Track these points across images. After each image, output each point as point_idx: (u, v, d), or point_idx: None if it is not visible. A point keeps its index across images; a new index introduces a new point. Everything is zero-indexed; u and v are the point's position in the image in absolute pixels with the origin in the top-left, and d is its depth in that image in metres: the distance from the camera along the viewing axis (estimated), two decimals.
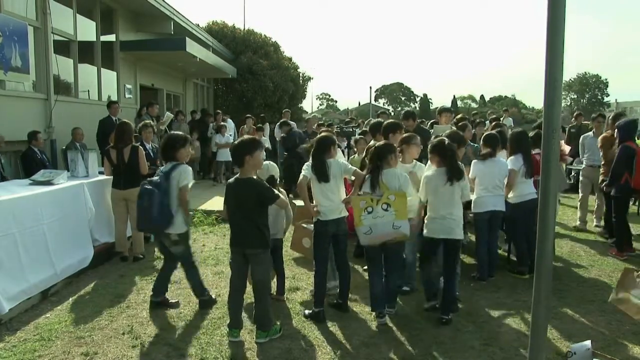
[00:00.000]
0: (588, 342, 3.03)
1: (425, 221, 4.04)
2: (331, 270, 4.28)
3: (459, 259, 4.41)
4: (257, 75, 18.61)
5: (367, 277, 4.25)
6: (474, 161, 4.97)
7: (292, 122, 11.75)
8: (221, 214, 7.50)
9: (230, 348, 3.45)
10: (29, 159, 6.80)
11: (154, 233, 4.91)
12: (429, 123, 9.03)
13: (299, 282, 4.84)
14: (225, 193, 3.62)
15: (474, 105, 76.85)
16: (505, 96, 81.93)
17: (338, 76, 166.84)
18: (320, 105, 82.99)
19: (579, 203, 7.22)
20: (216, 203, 8.44)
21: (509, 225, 5.32)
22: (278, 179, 4.26)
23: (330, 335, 3.68)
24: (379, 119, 5.88)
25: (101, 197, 5.57)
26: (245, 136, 3.70)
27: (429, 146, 4.11)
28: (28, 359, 3.31)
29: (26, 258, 4.19)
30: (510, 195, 5.05)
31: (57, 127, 8.14)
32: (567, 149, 6.74)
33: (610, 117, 6.68)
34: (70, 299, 4.40)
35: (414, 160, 4.45)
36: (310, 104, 58.49)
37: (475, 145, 5.95)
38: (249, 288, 3.74)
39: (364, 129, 7.65)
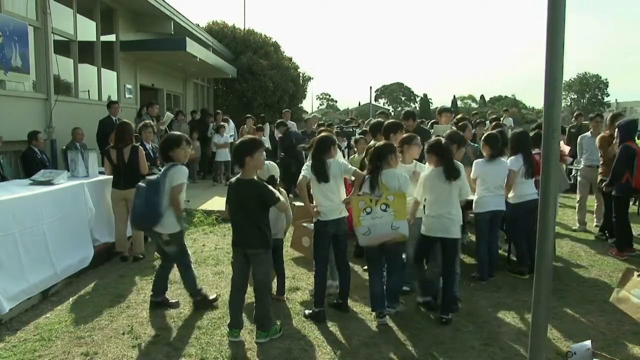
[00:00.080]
0: (588, 342, 3.03)
1: (423, 219, 4.05)
2: (331, 270, 4.29)
3: (458, 259, 4.41)
4: (257, 75, 18.61)
5: (367, 277, 4.25)
6: (476, 161, 4.97)
7: (292, 122, 11.78)
8: (221, 214, 7.51)
9: (230, 348, 3.46)
10: (29, 159, 6.80)
11: (145, 231, 4.92)
12: (429, 123, 9.04)
13: (299, 282, 4.84)
14: (227, 193, 3.62)
15: (474, 105, 76.87)
16: (505, 96, 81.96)
17: (338, 76, 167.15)
18: (321, 105, 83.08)
19: (577, 204, 7.23)
20: (216, 203, 8.44)
21: (509, 225, 5.32)
22: (278, 179, 4.25)
23: (330, 335, 3.68)
24: (379, 119, 5.88)
25: (101, 197, 5.57)
26: (246, 136, 3.69)
27: (425, 146, 4.13)
28: (28, 359, 3.31)
29: (26, 258, 4.19)
30: (511, 195, 5.05)
31: (57, 127, 8.14)
32: (566, 149, 6.74)
33: (608, 117, 6.68)
34: (71, 299, 4.40)
35: (414, 161, 4.45)
36: (310, 104, 58.58)
37: (475, 145, 5.95)
38: (249, 288, 3.74)
39: (364, 129, 7.65)
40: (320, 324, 3.84)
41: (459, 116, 7.59)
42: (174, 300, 4.25)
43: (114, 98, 10.17)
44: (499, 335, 3.69)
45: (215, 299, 4.24)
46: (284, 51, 22.14)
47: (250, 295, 3.82)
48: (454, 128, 5.65)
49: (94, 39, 9.93)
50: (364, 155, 4.65)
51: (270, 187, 3.54)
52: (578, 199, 7.19)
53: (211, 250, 5.96)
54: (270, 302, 3.67)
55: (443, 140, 4.02)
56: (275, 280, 4.32)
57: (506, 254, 5.58)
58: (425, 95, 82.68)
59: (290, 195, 5.60)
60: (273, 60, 19.84)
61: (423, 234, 4.03)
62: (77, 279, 4.88)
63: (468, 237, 6.28)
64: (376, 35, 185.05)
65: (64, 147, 7.63)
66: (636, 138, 6.23)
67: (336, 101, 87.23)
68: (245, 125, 11.32)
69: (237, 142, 3.66)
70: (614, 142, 6.05)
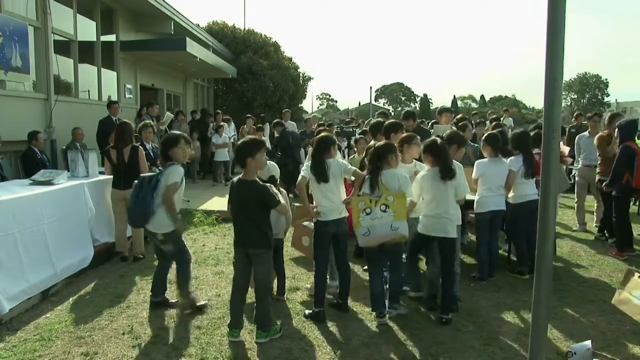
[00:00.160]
0: (588, 342, 3.03)
1: (420, 218, 4.06)
2: (331, 270, 4.29)
3: (458, 259, 4.41)
4: (257, 75, 18.61)
5: (367, 277, 4.25)
6: (478, 161, 4.98)
7: (292, 122, 11.78)
8: (221, 214, 7.52)
9: (230, 348, 3.45)
10: (29, 159, 6.80)
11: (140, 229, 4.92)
12: (430, 123, 9.04)
13: (299, 282, 4.84)
14: (229, 193, 3.63)
15: (474, 105, 76.87)
16: (506, 96, 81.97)
17: (338, 76, 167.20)
18: (321, 105, 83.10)
19: (576, 205, 7.22)
20: (216, 203, 8.44)
21: (509, 225, 5.32)
22: (278, 179, 4.25)
23: (330, 335, 3.68)
24: (379, 119, 5.88)
25: (101, 197, 5.57)
26: (247, 137, 3.68)
27: (422, 146, 4.14)
28: (28, 359, 3.31)
29: (26, 258, 4.19)
30: (511, 195, 5.05)
31: (57, 127, 8.14)
32: (566, 150, 6.74)
33: (607, 117, 6.67)
34: (71, 299, 4.40)
35: (414, 160, 4.45)
36: (310, 104, 58.60)
37: (476, 145, 5.95)
38: (250, 288, 3.74)
39: (364, 129, 7.65)
40: (320, 324, 3.84)
41: (459, 116, 7.58)
42: (174, 300, 4.24)
43: (114, 98, 10.16)
44: (499, 335, 3.69)
45: (204, 306, 4.12)
46: (284, 51, 22.18)
47: (250, 296, 3.82)
48: (454, 128, 5.65)
49: (94, 39, 9.93)
50: (364, 155, 4.65)
51: (271, 188, 3.53)
52: (576, 200, 7.19)
53: (211, 250, 5.96)
54: (271, 302, 3.67)
55: (439, 140, 4.03)
56: (275, 280, 4.32)
57: (506, 254, 5.58)
58: (425, 95, 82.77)
59: (290, 195, 5.60)
60: (273, 60, 19.85)
61: (420, 232, 4.03)
62: (77, 279, 4.88)
63: (468, 237, 6.28)
64: (376, 35, 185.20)
65: (64, 147, 7.63)
66: (636, 138, 6.23)
67: (336, 101, 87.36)
68: (245, 125, 11.32)
69: (238, 142, 3.66)
70: (612, 141, 6.06)
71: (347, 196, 4.06)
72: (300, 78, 22.29)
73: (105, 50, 10.21)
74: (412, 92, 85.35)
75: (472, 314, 4.07)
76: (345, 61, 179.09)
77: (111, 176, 5.52)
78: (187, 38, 11.01)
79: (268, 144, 10.92)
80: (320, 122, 13.37)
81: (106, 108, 8.48)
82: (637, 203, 8.11)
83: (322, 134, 4.30)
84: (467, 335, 3.70)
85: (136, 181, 4.03)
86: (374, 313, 3.93)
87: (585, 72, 70.02)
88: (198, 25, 15.76)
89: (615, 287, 4.67)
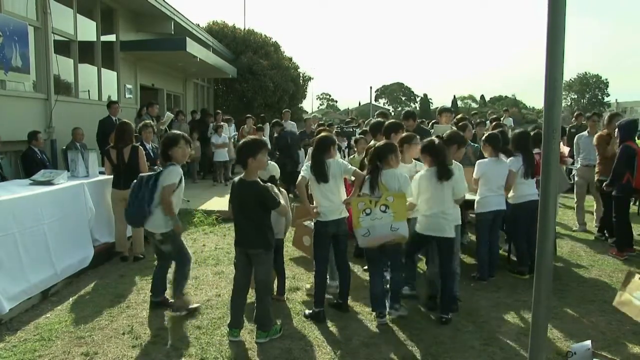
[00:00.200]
0: (588, 342, 3.03)
1: (418, 218, 4.06)
2: (331, 271, 4.29)
3: (458, 259, 4.41)
4: (257, 75, 18.62)
5: (367, 277, 4.25)
6: (479, 161, 4.98)
7: (292, 122, 11.78)
8: (221, 214, 7.52)
9: (230, 348, 3.45)
10: (29, 159, 6.80)
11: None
12: (430, 123, 9.04)
13: (299, 282, 4.84)
14: (230, 193, 3.63)
15: (474, 105, 76.85)
16: (506, 96, 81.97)
17: (338, 76, 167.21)
18: (321, 105, 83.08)
19: (575, 205, 7.22)
20: (216, 203, 8.44)
21: (509, 225, 5.32)
22: (278, 179, 4.25)
23: (330, 335, 3.68)
24: (379, 119, 5.88)
25: (101, 197, 5.57)
26: (249, 137, 3.67)
27: (420, 146, 4.14)
28: (28, 359, 3.31)
29: (26, 258, 4.19)
30: (511, 195, 5.05)
31: (57, 127, 8.14)
32: (566, 150, 6.74)
33: (606, 117, 6.67)
34: (71, 299, 4.40)
35: (414, 160, 4.45)
36: (310, 104, 58.59)
37: (476, 145, 5.95)
38: (250, 289, 3.74)
39: (364, 129, 7.65)
40: (320, 324, 3.84)
41: (459, 116, 7.58)
42: (173, 301, 4.24)
43: (114, 98, 10.17)
44: (499, 335, 3.69)
45: (196, 309, 4.06)
46: (284, 51, 22.20)
47: (250, 296, 3.82)
48: (454, 128, 5.65)
49: (94, 39, 9.94)
50: (363, 155, 4.65)
51: (272, 189, 3.53)
52: (575, 200, 7.18)
53: (211, 250, 5.96)
54: (271, 302, 3.67)
55: (437, 140, 4.04)
56: (275, 280, 4.32)
57: (506, 254, 5.58)
58: (425, 95, 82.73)
59: (290, 195, 5.61)
60: (273, 60, 19.86)
61: (418, 232, 4.04)
62: (77, 279, 4.88)
63: (468, 237, 6.28)
64: (376, 35, 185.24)
65: (64, 147, 7.63)
66: (636, 138, 6.23)
67: (336, 101, 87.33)
68: (246, 125, 11.32)
69: (240, 142, 3.65)
70: (611, 141, 6.06)
71: (347, 196, 4.06)
72: (300, 78, 22.31)
73: (105, 50, 10.22)
74: (412, 92, 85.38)
75: (472, 314, 4.07)
76: (345, 61, 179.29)
77: (111, 176, 5.52)
78: (187, 38, 11.01)
79: (268, 144, 10.91)
80: (320, 122, 13.37)
81: (106, 108, 8.48)
82: (637, 203, 8.11)
83: (322, 134, 4.30)
84: (467, 335, 3.70)
85: (135, 181, 4.03)
86: (374, 313, 3.93)
87: (586, 72, 70.06)
88: (198, 25, 15.76)
89: (615, 287, 4.67)
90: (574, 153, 7.24)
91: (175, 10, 12.10)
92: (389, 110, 56.43)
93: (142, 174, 4.12)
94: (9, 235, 4.01)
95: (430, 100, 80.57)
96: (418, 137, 4.49)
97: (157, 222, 3.93)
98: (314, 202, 3.97)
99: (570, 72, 66.97)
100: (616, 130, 5.85)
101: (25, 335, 3.66)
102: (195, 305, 4.11)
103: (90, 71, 9.86)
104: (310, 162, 3.98)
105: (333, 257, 4.16)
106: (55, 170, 5.57)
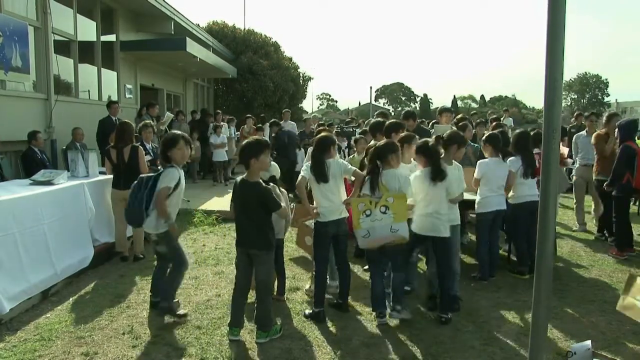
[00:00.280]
0: (588, 342, 3.03)
1: (414, 218, 4.07)
2: (331, 271, 4.28)
3: (458, 259, 4.42)
4: (257, 75, 18.62)
5: (367, 277, 4.25)
6: (480, 161, 4.97)
7: (292, 122, 11.78)
8: (221, 214, 7.52)
9: (230, 348, 3.45)
10: (29, 159, 6.80)
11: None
12: (430, 123, 9.04)
13: (299, 282, 4.84)
14: (232, 192, 3.63)
15: (474, 105, 76.86)
16: (506, 96, 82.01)
17: (338, 76, 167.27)
18: (321, 105, 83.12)
19: (575, 205, 7.21)
20: (216, 203, 8.44)
21: (509, 225, 5.32)
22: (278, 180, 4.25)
23: (330, 335, 3.68)
24: (379, 119, 5.88)
25: (101, 197, 5.57)
26: (252, 138, 3.66)
27: (409, 148, 4.14)
28: (28, 359, 3.31)
29: (26, 258, 4.19)
30: (511, 195, 5.05)
31: (57, 127, 8.15)
32: (565, 151, 6.73)
33: (605, 117, 6.67)
34: (71, 299, 4.39)
35: (413, 160, 4.45)
36: (310, 104, 58.63)
37: (476, 145, 5.95)
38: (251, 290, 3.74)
39: (364, 128, 7.65)
40: (320, 324, 3.84)
41: (460, 116, 7.58)
42: (174, 301, 4.23)
43: (114, 98, 10.17)
44: (499, 335, 3.69)
45: (185, 315, 3.95)
46: (284, 51, 22.20)
47: (250, 296, 3.82)
48: (454, 128, 5.65)
49: (94, 39, 9.94)
50: (363, 155, 4.64)
51: (275, 190, 3.51)
52: (575, 200, 7.18)
53: (211, 250, 5.96)
54: (271, 303, 3.67)
55: (431, 141, 4.06)
56: (275, 280, 4.32)
57: (506, 254, 5.58)
58: (425, 95, 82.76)
59: (290, 195, 5.58)
60: (273, 60, 19.86)
61: (414, 232, 4.04)
62: (77, 279, 4.88)
63: (468, 237, 6.28)
64: (376, 35, 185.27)
65: (64, 147, 7.63)
66: (636, 138, 6.23)
67: (336, 101, 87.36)
68: (246, 125, 11.32)
69: (243, 143, 3.63)
70: (609, 140, 6.07)
71: (347, 196, 4.06)
72: (300, 78, 22.31)
73: (105, 50, 10.22)
74: (412, 92, 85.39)
75: (472, 314, 4.07)
76: (345, 61, 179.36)
77: (111, 176, 5.52)
78: (187, 38, 11.01)
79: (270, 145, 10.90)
80: (320, 122, 13.37)
81: (106, 108, 8.48)
82: (637, 203, 8.11)
83: (322, 134, 4.29)
84: (467, 335, 3.70)
85: (135, 182, 4.03)
86: (374, 313, 3.93)
87: (586, 72, 70.07)
88: (198, 25, 15.76)
89: (615, 287, 4.68)
90: (573, 153, 7.24)
91: (175, 10, 12.10)
92: (389, 110, 56.41)
93: (143, 175, 4.10)
94: (9, 235, 4.01)
95: (430, 100, 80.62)
96: (417, 137, 4.48)
97: (153, 223, 3.90)
98: (315, 203, 3.97)
99: (570, 70, 67.05)
100: (616, 130, 5.85)
101: (25, 335, 3.66)
102: (182, 312, 3.98)
103: (90, 71, 9.86)
104: (310, 162, 3.98)
105: (333, 257, 4.16)
106: (55, 170, 5.57)
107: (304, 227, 5.16)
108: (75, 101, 9.09)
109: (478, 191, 4.91)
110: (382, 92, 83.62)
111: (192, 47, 11.16)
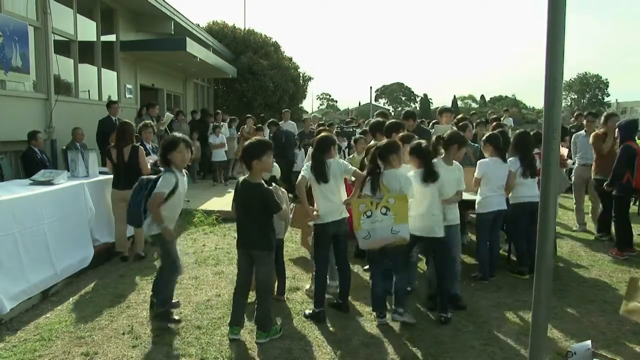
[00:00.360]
0: (588, 342, 3.02)
1: (410, 218, 4.06)
2: (331, 271, 4.28)
3: (458, 258, 4.42)
4: (257, 75, 18.62)
5: (367, 277, 4.25)
6: (481, 161, 4.97)
7: (292, 122, 11.77)
8: (221, 214, 7.52)
9: (230, 348, 3.45)
10: (29, 159, 6.80)
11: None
12: (430, 123, 9.04)
13: (299, 282, 4.84)
14: (234, 193, 3.63)
15: (474, 105, 76.86)
16: (506, 96, 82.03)
17: (338, 76, 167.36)
18: (321, 105, 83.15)
19: (574, 205, 7.21)
20: (216, 203, 8.44)
21: (509, 225, 5.32)
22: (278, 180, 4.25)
23: (330, 335, 3.68)
24: (379, 119, 5.88)
25: (101, 197, 5.57)
26: (254, 138, 3.65)
27: (408, 148, 4.14)
28: (28, 359, 3.31)
29: (26, 258, 4.19)
30: (511, 195, 5.05)
31: (57, 127, 8.14)
32: (565, 152, 6.73)
33: (603, 116, 6.67)
34: (71, 299, 4.40)
35: None
36: (310, 104, 58.63)
37: (476, 145, 5.95)
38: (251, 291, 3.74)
39: (364, 128, 7.65)
40: (320, 324, 3.84)
41: (460, 116, 7.58)
42: (174, 300, 4.23)
43: (114, 98, 10.16)
44: (499, 335, 3.69)
45: (178, 321, 3.89)
46: (284, 51, 22.21)
47: (251, 296, 3.82)
48: (455, 128, 5.65)
49: (94, 39, 9.94)
50: (363, 155, 4.64)
51: (276, 191, 3.51)
52: (574, 200, 7.18)
53: (211, 250, 5.96)
54: (271, 303, 3.67)
55: (424, 143, 4.06)
56: (275, 280, 4.32)
57: (506, 254, 5.58)
58: (425, 95, 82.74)
59: (290, 195, 5.59)
60: (273, 60, 19.86)
61: (410, 232, 4.03)
62: (77, 279, 4.88)
63: (468, 237, 6.28)
64: (376, 35, 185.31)
65: (64, 147, 7.63)
66: (636, 138, 6.23)
67: (336, 101, 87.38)
68: (246, 126, 11.32)
69: (245, 143, 3.62)
70: (607, 139, 6.07)
71: (347, 197, 4.06)
72: (300, 78, 22.31)
73: (105, 50, 10.22)
74: (412, 92, 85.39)
75: (472, 314, 4.07)
76: (345, 61, 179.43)
77: (112, 176, 5.52)
78: (187, 38, 11.02)
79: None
80: (320, 122, 13.37)
81: (106, 108, 8.48)
82: (637, 203, 8.11)
83: (322, 134, 4.29)
84: (467, 335, 3.70)
85: (136, 183, 4.01)
86: (374, 313, 3.93)
87: (586, 72, 70.07)
88: (198, 25, 15.76)
89: (615, 287, 4.68)
90: (571, 153, 7.24)
91: (175, 10, 12.10)
92: (389, 110, 56.41)
93: (143, 177, 4.07)
94: (9, 235, 4.01)
95: (430, 100, 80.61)
96: (416, 136, 4.48)
97: (147, 225, 3.86)
98: (315, 203, 3.96)
99: (570, 70, 67.04)
100: (616, 130, 5.85)
101: (25, 335, 3.66)
102: (177, 318, 3.94)
103: (90, 71, 9.86)
104: (310, 162, 3.98)
105: (333, 258, 4.15)
106: (55, 170, 5.57)
107: (307, 227, 5.16)
108: (75, 101, 9.09)
109: (478, 191, 4.91)
110: (382, 92, 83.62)
111: (192, 47, 11.16)
